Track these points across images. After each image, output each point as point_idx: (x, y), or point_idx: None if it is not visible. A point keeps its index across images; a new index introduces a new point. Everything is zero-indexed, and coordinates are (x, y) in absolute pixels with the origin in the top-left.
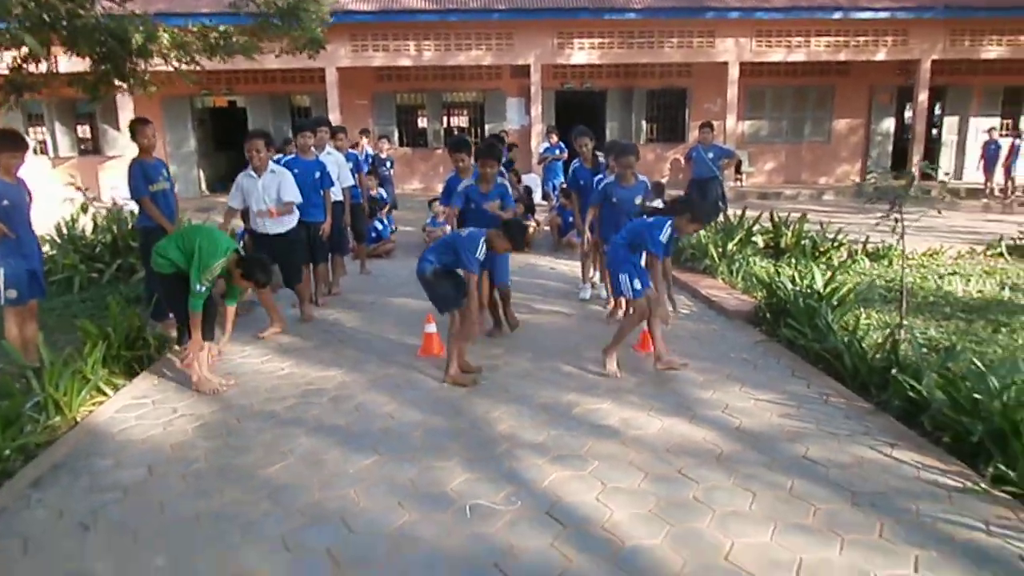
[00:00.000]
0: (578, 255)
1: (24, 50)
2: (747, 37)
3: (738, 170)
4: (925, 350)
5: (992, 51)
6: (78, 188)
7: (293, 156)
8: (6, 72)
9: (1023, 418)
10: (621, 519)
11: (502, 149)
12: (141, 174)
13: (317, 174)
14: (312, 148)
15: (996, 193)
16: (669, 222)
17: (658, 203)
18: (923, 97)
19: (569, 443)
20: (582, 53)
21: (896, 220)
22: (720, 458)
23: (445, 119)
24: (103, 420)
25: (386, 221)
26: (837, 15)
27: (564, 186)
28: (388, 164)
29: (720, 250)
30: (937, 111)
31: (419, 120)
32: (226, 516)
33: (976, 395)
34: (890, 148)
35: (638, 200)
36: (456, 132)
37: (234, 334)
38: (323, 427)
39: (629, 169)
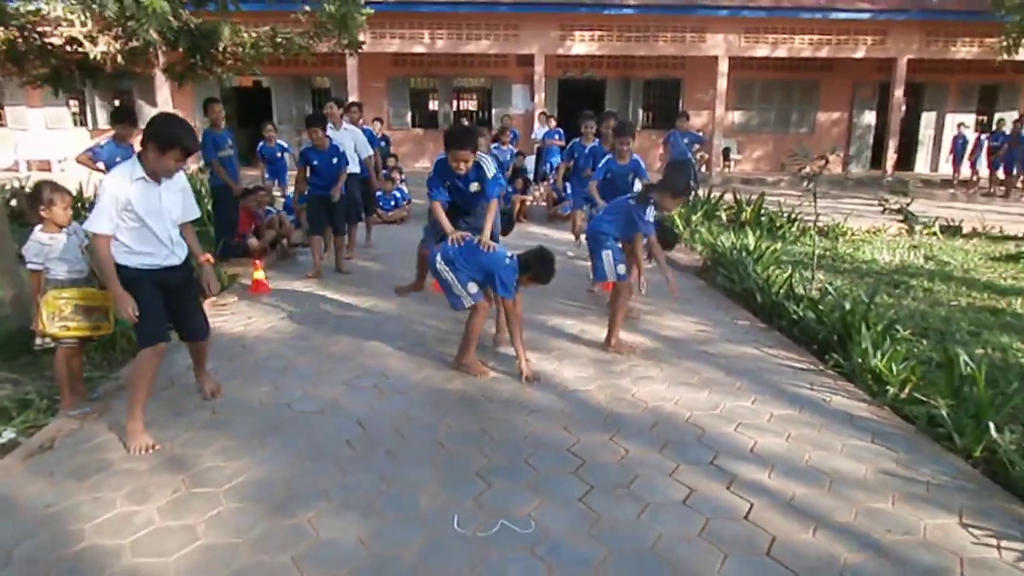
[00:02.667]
0: (568, 226)
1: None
2: (735, 33)
3: (726, 157)
4: (819, 293)
5: (965, 52)
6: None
7: (310, 147)
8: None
9: (854, 327)
10: (568, 377)
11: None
12: (212, 142)
13: (335, 159)
14: (326, 136)
15: (956, 184)
16: (652, 201)
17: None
18: (899, 93)
19: (537, 339)
20: (583, 44)
21: (813, 196)
22: (646, 352)
23: (455, 103)
24: None
25: (404, 191)
26: (818, 15)
27: (560, 165)
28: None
29: (685, 221)
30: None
31: (431, 103)
32: (304, 374)
33: (830, 313)
34: (871, 140)
35: (630, 177)
36: (465, 116)
37: (285, 274)
38: (361, 328)
39: (626, 147)
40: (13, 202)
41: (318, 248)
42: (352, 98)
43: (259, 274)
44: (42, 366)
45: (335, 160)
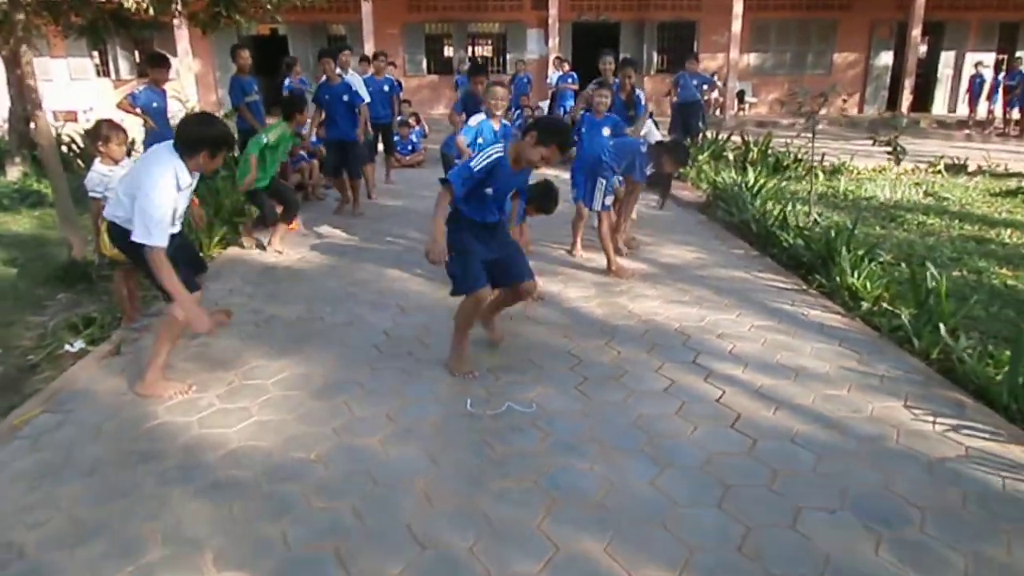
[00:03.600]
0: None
1: None
2: None
3: (741, 100)
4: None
5: None
6: (180, 100)
7: (323, 81)
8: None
9: (836, 251)
10: (572, 296)
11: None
12: (239, 87)
13: (345, 96)
14: (338, 72)
15: (972, 124)
16: (652, 159)
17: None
18: (916, 32)
19: (545, 266)
20: None
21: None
22: (645, 276)
23: (470, 48)
24: (234, 254)
25: (423, 131)
26: None
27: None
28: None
29: (693, 161)
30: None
31: (445, 49)
32: (333, 296)
33: (816, 239)
34: (888, 81)
35: (606, 131)
36: (480, 60)
37: (311, 212)
38: (383, 258)
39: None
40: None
41: (343, 187)
42: (368, 44)
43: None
44: (98, 292)
45: (345, 97)
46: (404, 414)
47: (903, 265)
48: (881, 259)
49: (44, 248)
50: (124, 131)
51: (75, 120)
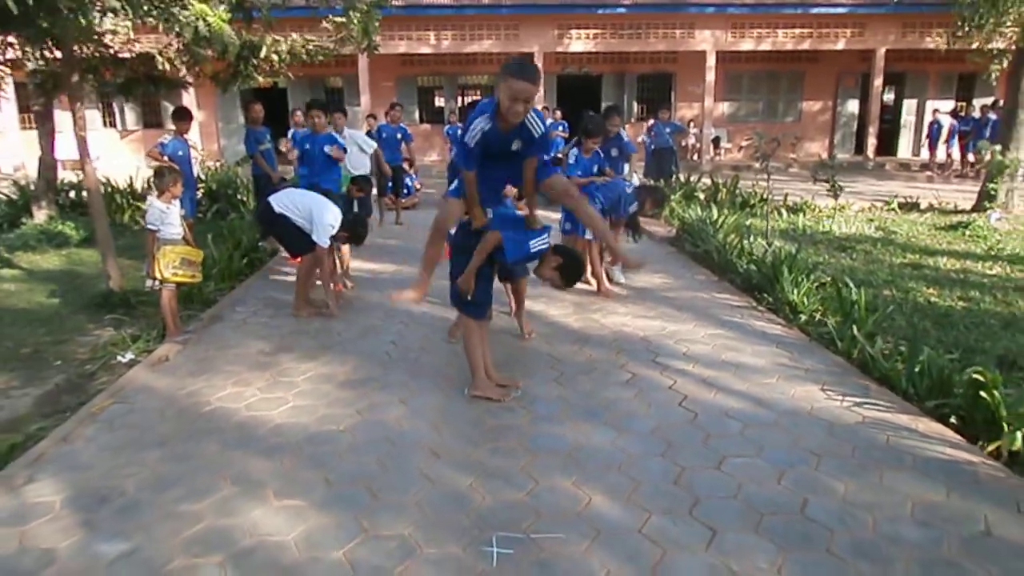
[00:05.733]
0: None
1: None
2: (722, 29)
3: (716, 145)
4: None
5: (939, 42)
6: (195, 148)
7: (307, 132)
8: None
9: (779, 273)
10: (552, 313)
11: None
12: (254, 138)
13: (327, 147)
14: (327, 126)
15: (933, 167)
16: (636, 201)
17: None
18: (878, 83)
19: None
20: (579, 42)
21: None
22: (618, 298)
23: (460, 99)
24: (252, 282)
25: (413, 178)
26: (799, 10)
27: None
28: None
29: (666, 201)
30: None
31: (436, 100)
32: (345, 316)
33: (765, 264)
34: (855, 128)
35: (595, 168)
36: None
37: None
38: (386, 285)
39: (591, 144)
40: (72, 193)
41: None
42: (364, 96)
43: None
44: (137, 316)
45: (327, 147)
46: (413, 400)
47: (849, 288)
48: (822, 281)
49: (77, 281)
50: (180, 174)
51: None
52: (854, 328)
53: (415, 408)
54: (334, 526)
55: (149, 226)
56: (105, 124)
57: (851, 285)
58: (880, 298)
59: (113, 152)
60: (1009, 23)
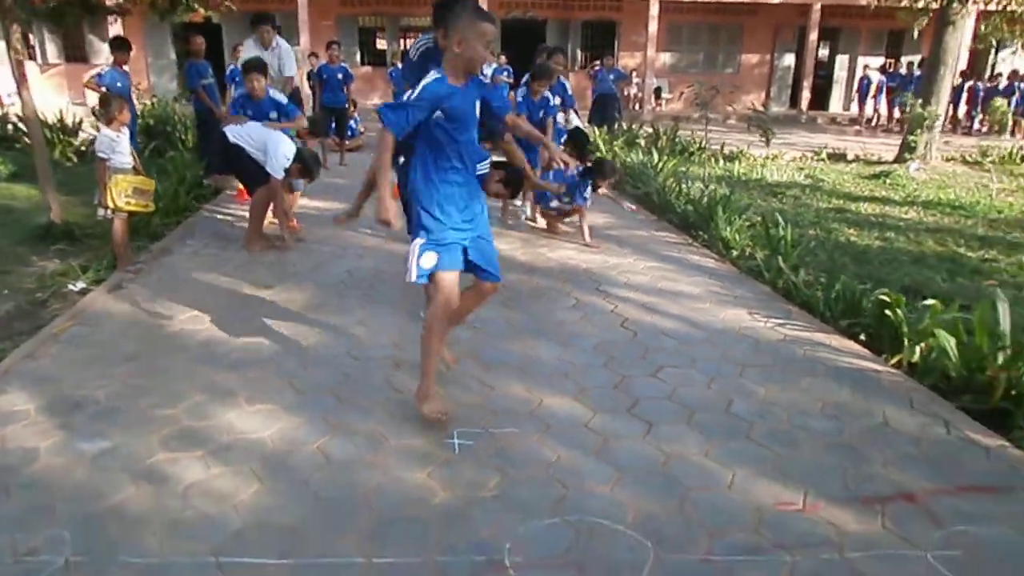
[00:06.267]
0: None
1: None
2: None
3: (658, 96)
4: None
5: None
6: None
7: (246, 95)
8: None
9: (714, 212)
10: (500, 247)
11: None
12: (196, 72)
13: (274, 114)
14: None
15: (862, 121)
16: (590, 181)
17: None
18: (813, 37)
19: None
20: None
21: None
22: (564, 234)
23: (402, 41)
24: (196, 219)
25: (357, 120)
26: None
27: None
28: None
29: (609, 147)
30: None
31: (378, 42)
32: (300, 249)
33: (701, 204)
34: (790, 81)
35: (540, 112)
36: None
37: None
38: None
39: (541, 87)
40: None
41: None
42: (303, 35)
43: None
44: (82, 248)
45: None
46: (371, 321)
47: (779, 225)
48: (753, 221)
49: (12, 216)
50: (126, 101)
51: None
52: (779, 260)
53: (373, 328)
54: (306, 424)
55: (100, 154)
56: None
57: (781, 222)
58: (805, 237)
59: (33, 88)
60: None
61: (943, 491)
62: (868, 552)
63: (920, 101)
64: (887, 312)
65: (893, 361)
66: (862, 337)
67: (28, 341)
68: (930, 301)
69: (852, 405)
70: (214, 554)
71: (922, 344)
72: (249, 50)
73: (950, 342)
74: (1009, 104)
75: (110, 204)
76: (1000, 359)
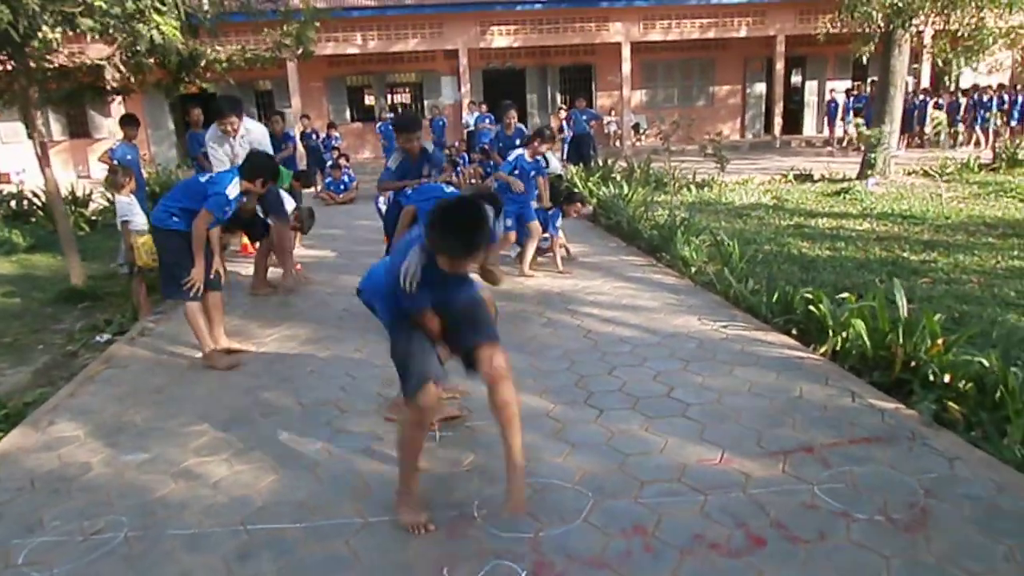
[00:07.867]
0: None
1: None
2: (633, 21)
3: (637, 131)
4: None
5: (823, 29)
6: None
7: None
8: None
9: (675, 236)
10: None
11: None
12: (195, 141)
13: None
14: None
15: (833, 142)
16: (561, 213)
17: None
18: (780, 66)
19: None
20: (501, 38)
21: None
22: (539, 264)
23: (389, 97)
24: None
25: (351, 175)
26: (703, 1)
27: (485, 146)
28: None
29: (584, 183)
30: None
31: (366, 99)
32: (302, 296)
33: (664, 228)
34: (763, 109)
35: (532, 174)
36: (400, 108)
37: None
38: (336, 265)
39: (541, 148)
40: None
41: None
42: (295, 98)
43: (245, 240)
44: (103, 306)
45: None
46: (367, 349)
47: (726, 242)
48: (710, 242)
49: (36, 282)
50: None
51: (9, 182)
52: (726, 272)
53: (369, 354)
54: (311, 429)
55: (123, 218)
56: (31, 136)
57: (726, 240)
58: (760, 252)
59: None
60: (876, 8)
61: (837, 443)
62: (767, 489)
63: (861, 121)
64: (812, 308)
65: (822, 350)
66: (794, 332)
67: (68, 384)
68: (844, 295)
69: (775, 384)
70: (242, 524)
71: (843, 333)
72: (214, 144)
73: (863, 328)
74: (1004, 115)
75: (139, 262)
76: (900, 338)
